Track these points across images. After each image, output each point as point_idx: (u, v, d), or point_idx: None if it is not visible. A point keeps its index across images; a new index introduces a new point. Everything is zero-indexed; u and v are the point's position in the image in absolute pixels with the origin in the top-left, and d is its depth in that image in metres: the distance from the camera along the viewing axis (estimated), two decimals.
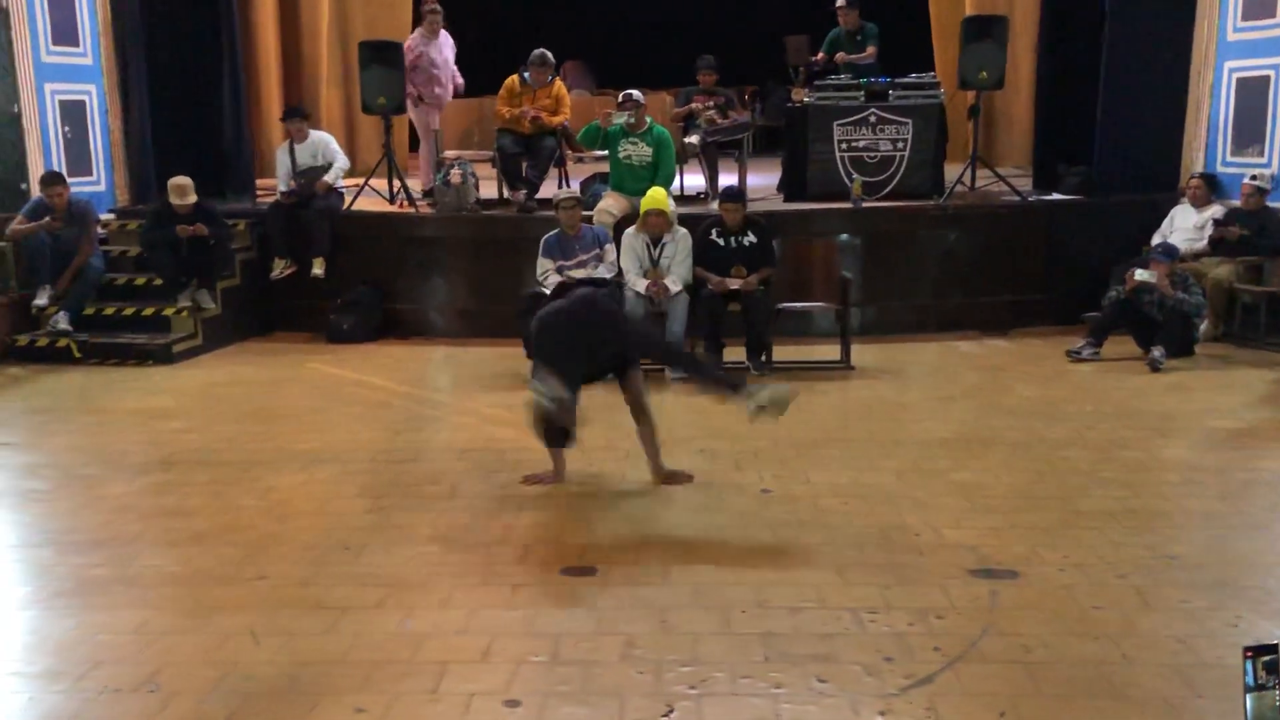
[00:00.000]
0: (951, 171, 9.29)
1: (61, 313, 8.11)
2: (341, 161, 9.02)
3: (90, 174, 9.42)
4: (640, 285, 7.28)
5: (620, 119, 8.19)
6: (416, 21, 10.68)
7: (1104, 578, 4.00)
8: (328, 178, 8.83)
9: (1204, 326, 7.79)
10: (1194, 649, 3.46)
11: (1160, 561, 4.15)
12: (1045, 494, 4.95)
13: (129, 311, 8.32)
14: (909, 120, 9.00)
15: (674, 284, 7.26)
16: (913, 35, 12.64)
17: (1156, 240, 8.25)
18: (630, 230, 7.52)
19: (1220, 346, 7.86)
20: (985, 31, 9.06)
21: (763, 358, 7.35)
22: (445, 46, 9.97)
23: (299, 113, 9.28)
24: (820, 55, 10.19)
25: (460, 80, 10.12)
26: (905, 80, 9.23)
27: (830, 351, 7.60)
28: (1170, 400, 6.56)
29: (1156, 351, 7.26)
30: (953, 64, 9.85)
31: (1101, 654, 3.44)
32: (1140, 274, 7.40)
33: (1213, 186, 8.48)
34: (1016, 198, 9.00)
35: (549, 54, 9.03)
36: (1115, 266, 8.20)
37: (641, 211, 7.40)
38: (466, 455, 5.65)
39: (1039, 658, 3.42)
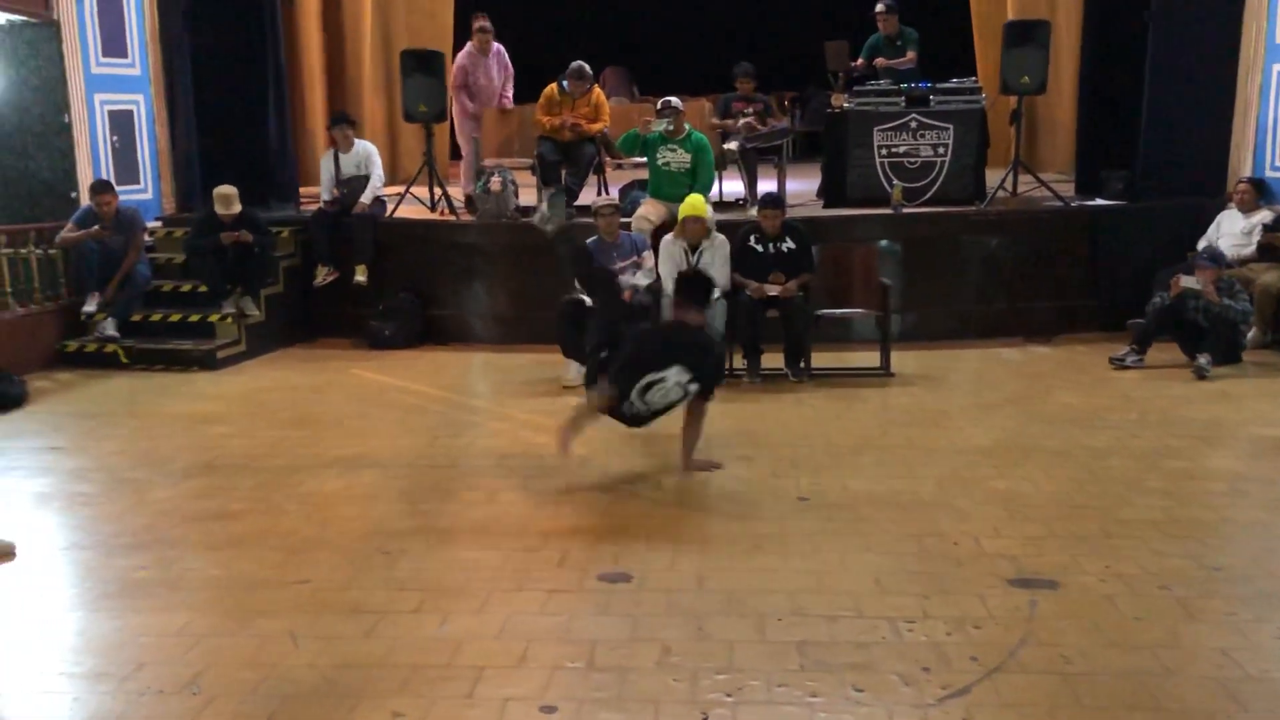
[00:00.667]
0: (993, 177, 9.21)
1: (109, 319, 8.25)
2: (378, 178, 9.09)
3: (138, 182, 9.59)
4: None
5: (659, 126, 8.21)
6: (460, 31, 10.78)
7: (1146, 588, 3.95)
8: (364, 197, 8.90)
9: (1251, 333, 7.66)
10: (1239, 662, 3.40)
11: (1204, 572, 4.09)
12: (1086, 503, 4.89)
13: (175, 318, 8.46)
14: (950, 125, 8.93)
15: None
16: (954, 40, 12.58)
17: (1202, 245, 8.12)
18: (668, 237, 7.53)
19: (1268, 354, 7.71)
20: (1027, 36, 8.99)
21: (801, 364, 7.33)
22: (494, 65, 10.06)
23: (346, 119, 9.37)
24: (860, 61, 10.16)
25: (508, 100, 10.18)
26: (946, 85, 9.17)
27: (870, 358, 7.56)
28: (1216, 408, 6.46)
29: (1202, 359, 7.15)
30: (994, 69, 9.77)
31: (1143, 666, 3.39)
32: (1186, 280, 7.30)
33: (1261, 191, 8.33)
34: (1059, 203, 8.91)
35: (586, 66, 9.07)
36: (1160, 272, 8.09)
37: (679, 218, 7.41)
38: (504, 461, 5.68)
39: (1078, 669, 3.38)
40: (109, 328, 8.24)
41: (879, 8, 10.10)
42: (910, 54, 9.92)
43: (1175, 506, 4.81)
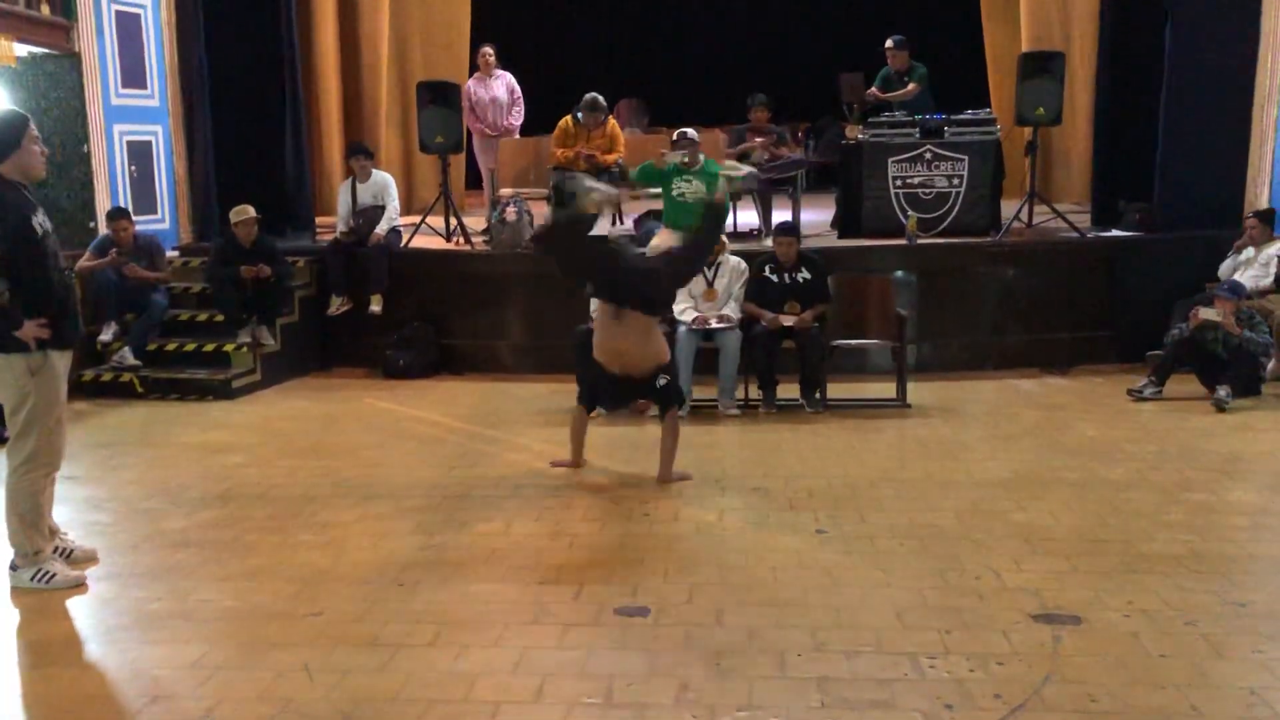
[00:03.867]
0: (1009, 208, 9.20)
1: (126, 348, 8.28)
2: (394, 208, 9.13)
3: (155, 212, 9.65)
4: (689, 318, 7.27)
5: (675, 158, 8.23)
6: (474, 63, 10.94)
7: (1171, 625, 3.89)
8: (380, 227, 8.94)
9: (1271, 365, 7.57)
10: (1269, 701, 3.34)
11: (1230, 608, 4.03)
12: (1108, 537, 4.83)
13: (190, 347, 8.47)
14: (965, 157, 8.94)
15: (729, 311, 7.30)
16: (968, 71, 12.60)
17: (1222, 276, 8.08)
18: None
19: None
20: (1042, 67, 9.00)
21: (817, 395, 7.30)
22: (498, 86, 10.26)
23: (363, 150, 9.42)
24: (873, 91, 10.17)
25: (512, 121, 10.33)
26: (961, 117, 9.19)
27: (886, 389, 7.53)
28: (1237, 441, 6.40)
29: (1222, 391, 7.10)
30: (1009, 100, 9.79)
31: (1170, 705, 3.33)
32: (1205, 311, 7.25)
33: (1269, 222, 8.29)
34: (1075, 234, 8.89)
35: (600, 99, 9.13)
36: (1177, 303, 8.05)
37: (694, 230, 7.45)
38: (519, 491, 5.65)
39: (1104, 707, 3.32)
40: (127, 356, 8.26)
41: (888, 43, 10.13)
42: (911, 85, 9.92)
43: (1198, 541, 4.75)
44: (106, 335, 8.36)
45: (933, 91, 10.07)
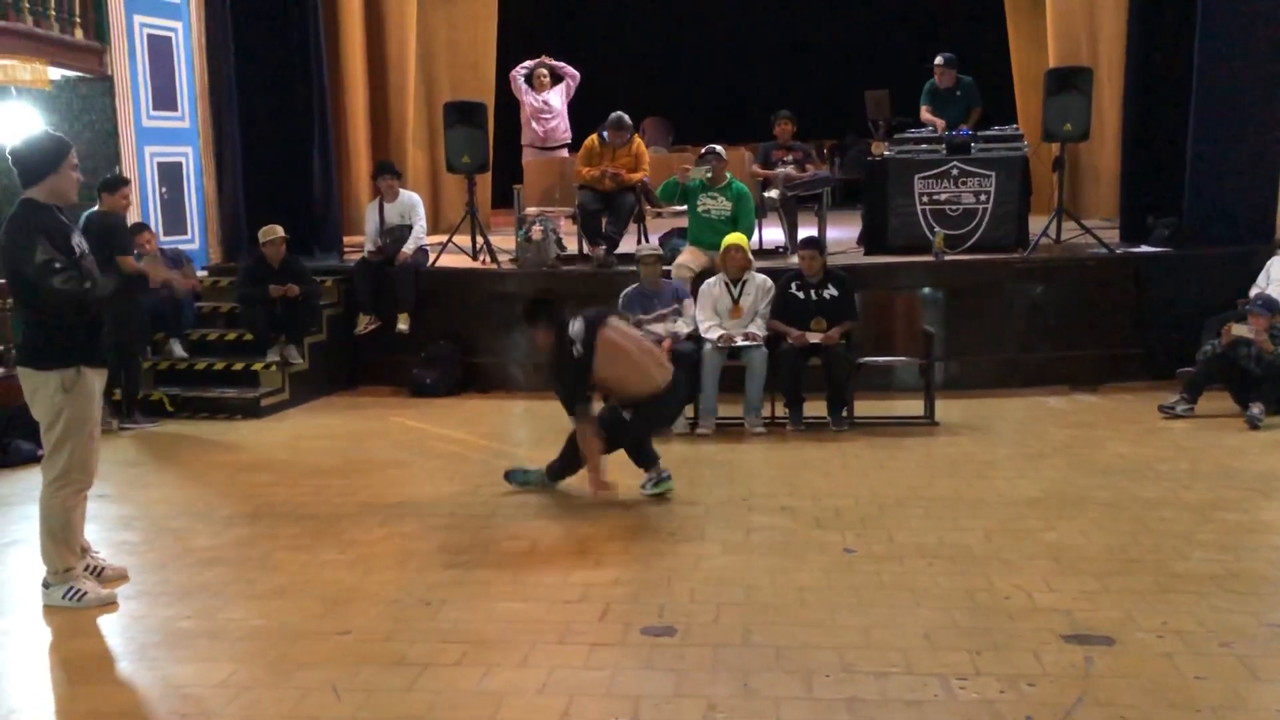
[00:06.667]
0: (1037, 224, 9.14)
1: (174, 340, 8.50)
2: (421, 228, 9.18)
3: (185, 233, 9.77)
4: (715, 335, 7.26)
5: (698, 173, 8.23)
6: (500, 82, 11.09)
7: (1206, 646, 3.83)
8: (407, 247, 8.98)
9: None
10: None
11: (1267, 630, 3.97)
12: (1140, 556, 4.77)
13: (219, 366, 8.54)
14: (992, 173, 8.90)
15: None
16: (996, 87, 12.56)
17: (1254, 292, 7.99)
18: (708, 281, 7.55)
19: None
20: (1069, 83, 8.96)
21: (844, 413, 7.26)
22: (554, 94, 10.86)
23: (391, 169, 9.45)
24: (941, 122, 9.95)
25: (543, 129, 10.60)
26: (987, 133, 9.16)
27: (914, 407, 7.48)
28: (1271, 459, 6.31)
29: (1255, 408, 7.01)
30: (1036, 115, 9.74)
31: None
32: (1238, 328, 7.18)
33: None
34: (1104, 250, 8.82)
35: (625, 117, 9.16)
36: (1208, 320, 7.97)
37: (721, 249, 7.44)
38: (545, 510, 5.66)
39: None
40: (176, 347, 8.49)
41: (938, 60, 10.06)
42: (975, 111, 9.92)
43: (1232, 560, 4.68)
44: None
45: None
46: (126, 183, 8.05)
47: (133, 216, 9.12)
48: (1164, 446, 6.65)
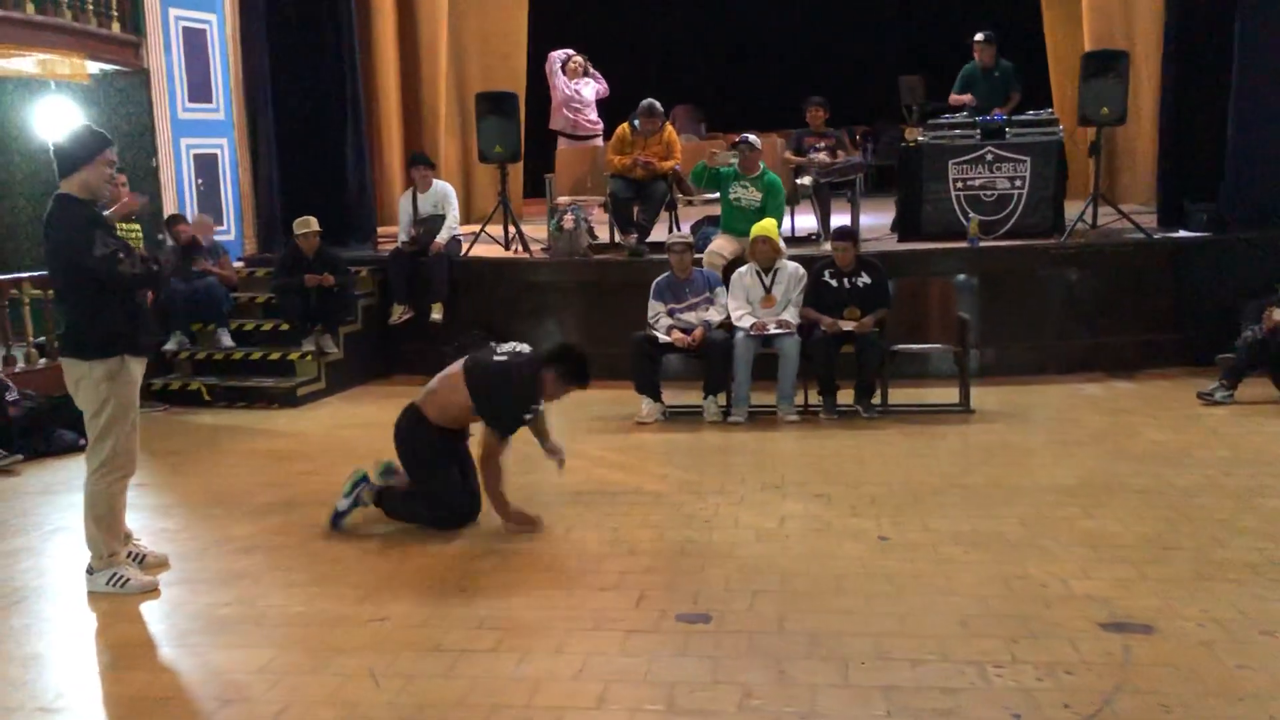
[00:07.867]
0: (1072, 209, 9.05)
1: (221, 329, 8.65)
2: (454, 218, 9.23)
3: (221, 224, 9.86)
4: (748, 324, 7.25)
5: (724, 159, 8.21)
6: (532, 72, 11.11)
7: (1247, 634, 3.80)
8: (440, 237, 9.03)
9: None
10: None
11: None
12: (1178, 544, 4.73)
13: (256, 356, 8.63)
14: (1027, 158, 8.81)
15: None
16: (1031, 72, 12.42)
17: None
18: (740, 269, 7.53)
19: None
20: (1106, 66, 8.84)
21: (873, 401, 7.23)
22: (586, 86, 10.81)
23: (424, 160, 9.50)
24: (967, 97, 9.94)
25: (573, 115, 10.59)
26: (1022, 118, 9.08)
27: (949, 394, 7.44)
28: None
29: None
30: (1072, 100, 9.63)
31: (1247, 716, 3.25)
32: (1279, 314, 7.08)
33: None
34: (1141, 235, 8.72)
35: (657, 104, 9.14)
36: (1247, 305, 7.86)
37: (750, 238, 7.43)
38: (579, 498, 5.68)
39: (1178, 718, 3.25)
40: (225, 338, 8.64)
41: (978, 37, 9.96)
42: (1014, 96, 9.83)
43: (1273, 548, 4.63)
44: (172, 345, 8.55)
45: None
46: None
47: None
48: (1202, 433, 6.58)
